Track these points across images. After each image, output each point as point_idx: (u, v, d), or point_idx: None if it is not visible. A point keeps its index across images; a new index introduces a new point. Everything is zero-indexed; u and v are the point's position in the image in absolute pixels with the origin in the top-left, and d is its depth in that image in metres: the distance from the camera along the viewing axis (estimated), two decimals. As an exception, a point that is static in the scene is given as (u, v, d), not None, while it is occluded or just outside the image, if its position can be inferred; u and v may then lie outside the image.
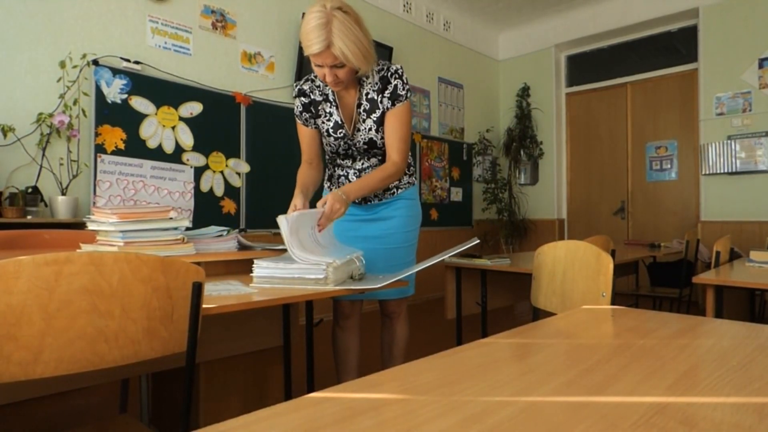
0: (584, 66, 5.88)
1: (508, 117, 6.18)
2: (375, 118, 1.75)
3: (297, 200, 1.64)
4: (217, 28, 3.67)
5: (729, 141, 4.59)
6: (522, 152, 5.92)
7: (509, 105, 6.18)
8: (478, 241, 1.42)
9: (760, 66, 4.46)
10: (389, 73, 1.71)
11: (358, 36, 1.54)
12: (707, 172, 4.72)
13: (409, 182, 1.94)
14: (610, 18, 5.36)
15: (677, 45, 5.18)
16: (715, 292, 1.82)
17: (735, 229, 4.55)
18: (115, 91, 3.12)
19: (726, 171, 4.60)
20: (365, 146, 1.79)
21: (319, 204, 1.57)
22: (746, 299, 2.58)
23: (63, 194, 2.85)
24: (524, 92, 6.01)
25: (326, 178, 1.98)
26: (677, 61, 5.18)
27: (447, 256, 1.48)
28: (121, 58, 3.17)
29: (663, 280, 3.85)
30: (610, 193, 5.65)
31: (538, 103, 5.96)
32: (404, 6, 5.07)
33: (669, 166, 5.24)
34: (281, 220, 1.40)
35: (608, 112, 5.68)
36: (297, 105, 1.79)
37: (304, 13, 4.25)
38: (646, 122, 5.40)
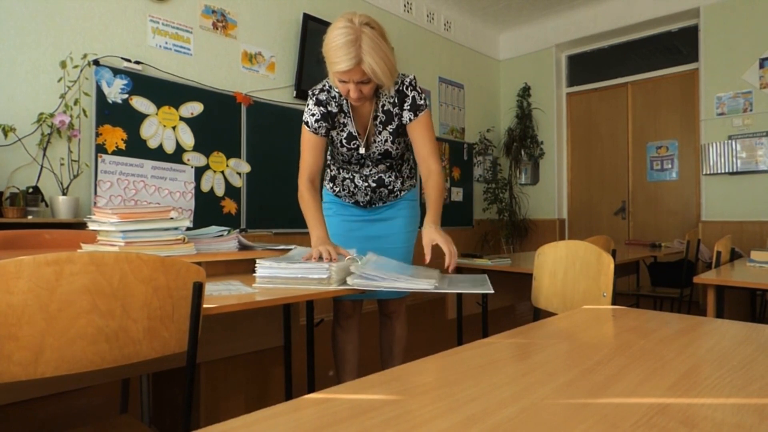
0: (585, 66, 5.88)
1: (508, 117, 6.18)
2: (391, 130, 1.75)
3: (329, 245, 1.55)
4: (217, 28, 3.67)
5: (730, 141, 4.59)
6: (522, 152, 5.92)
7: (510, 105, 6.18)
8: (493, 291, 1.40)
9: (761, 66, 4.46)
10: (404, 86, 1.71)
11: (386, 52, 1.53)
12: (708, 172, 4.72)
13: (410, 184, 1.95)
14: (611, 18, 5.35)
15: (678, 45, 5.17)
16: (715, 292, 1.81)
17: (736, 229, 4.54)
18: (115, 91, 3.12)
19: (727, 171, 4.60)
20: (379, 156, 1.80)
21: (428, 245, 1.54)
22: (747, 299, 2.58)
23: (64, 194, 2.86)
24: (525, 92, 6.00)
25: (328, 179, 1.97)
26: (678, 61, 5.18)
27: (458, 291, 1.43)
28: (122, 58, 3.17)
29: (664, 280, 3.84)
30: (611, 193, 5.65)
31: (538, 103, 5.95)
32: (405, 6, 5.07)
33: (670, 166, 5.24)
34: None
35: (609, 112, 5.68)
36: (313, 114, 1.72)
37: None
38: (647, 122, 5.39)
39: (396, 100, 1.72)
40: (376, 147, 1.78)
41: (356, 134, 1.76)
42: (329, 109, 1.73)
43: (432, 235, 1.56)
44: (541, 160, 5.98)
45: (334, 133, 1.78)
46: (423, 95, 1.73)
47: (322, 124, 1.73)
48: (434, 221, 1.62)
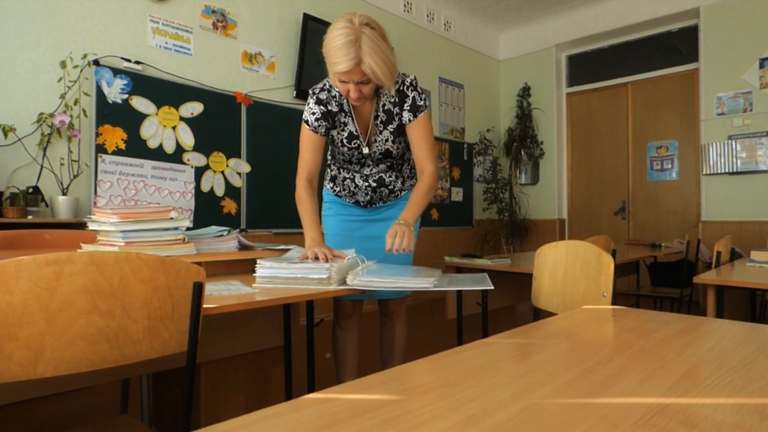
0: (585, 66, 5.88)
1: (508, 117, 6.18)
2: (392, 129, 1.75)
3: (324, 247, 1.54)
4: (217, 28, 3.67)
5: (730, 141, 4.59)
6: (522, 152, 5.92)
7: (510, 105, 6.18)
8: (493, 288, 1.40)
9: (761, 66, 4.46)
10: (405, 86, 1.71)
11: (386, 52, 1.53)
12: (708, 172, 4.72)
13: (411, 184, 1.95)
14: (611, 18, 5.35)
15: (678, 45, 5.17)
16: (715, 292, 1.81)
17: (736, 229, 4.54)
18: (115, 91, 3.12)
19: (727, 171, 4.60)
20: (380, 156, 1.80)
21: (388, 236, 1.53)
22: (747, 299, 2.57)
23: (64, 194, 2.86)
24: (525, 92, 6.00)
25: (329, 179, 1.97)
26: (678, 61, 5.18)
27: (458, 289, 1.43)
28: (122, 58, 3.17)
29: (664, 280, 3.84)
30: (611, 193, 5.65)
31: (538, 103, 5.95)
32: (405, 6, 5.07)
33: (670, 166, 5.24)
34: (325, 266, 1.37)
35: (609, 112, 5.68)
36: (314, 113, 1.72)
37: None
38: (647, 122, 5.39)
39: (396, 100, 1.72)
40: (377, 146, 1.78)
41: (357, 134, 1.76)
42: (330, 108, 1.73)
43: (393, 227, 1.55)
44: (541, 160, 5.98)
45: (334, 133, 1.78)
46: (423, 96, 1.74)
47: (322, 123, 1.73)
48: (405, 217, 1.61)
